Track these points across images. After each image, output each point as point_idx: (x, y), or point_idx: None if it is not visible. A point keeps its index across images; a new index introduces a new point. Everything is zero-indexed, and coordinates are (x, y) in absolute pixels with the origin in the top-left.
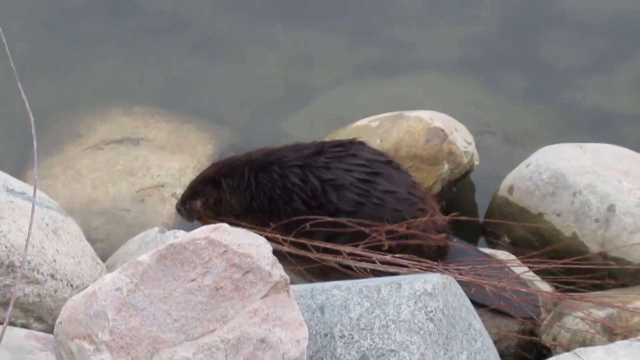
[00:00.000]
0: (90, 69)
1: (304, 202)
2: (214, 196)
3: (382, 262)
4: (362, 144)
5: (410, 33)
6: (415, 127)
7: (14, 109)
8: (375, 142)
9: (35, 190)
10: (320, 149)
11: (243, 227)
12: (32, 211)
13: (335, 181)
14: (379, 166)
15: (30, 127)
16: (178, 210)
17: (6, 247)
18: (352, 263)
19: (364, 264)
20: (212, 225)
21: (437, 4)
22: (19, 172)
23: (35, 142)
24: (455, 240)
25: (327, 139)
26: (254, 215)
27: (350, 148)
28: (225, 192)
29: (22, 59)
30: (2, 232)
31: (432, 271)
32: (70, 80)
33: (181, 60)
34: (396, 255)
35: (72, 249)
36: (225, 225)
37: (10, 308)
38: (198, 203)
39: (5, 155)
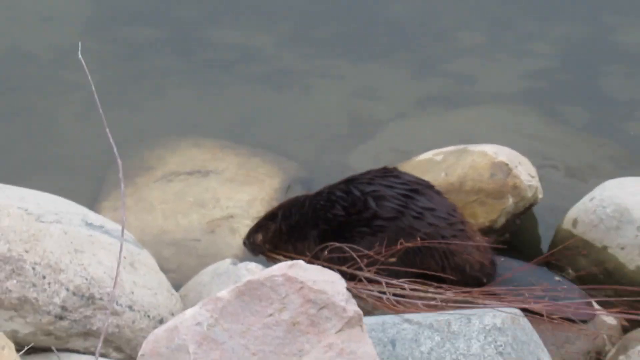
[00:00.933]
0: (160, 102)
1: (344, 208)
2: (272, 229)
3: (388, 285)
4: (405, 172)
5: (472, 66)
6: (480, 162)
7: (86, 143)
8: (440, 176)
9: (123, 230)
10: (367, 171)
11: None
12: (120, 251)
13: (377, 192)
14: (421, 187)
15: (109, 163)
16: (244, 243)
17: (86, 279)
18: (362, 289)
19: (369, 289)
20: (289, 262)
21: (498, 37)
22: (92, 204)
23: (122, 186)
24: (502, 259)
25: None
26: (299, 231)
27: (393, 171)
28: (278, 221)
29: (93, 94)
30: (82, 265)
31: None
32: (140, 113)
33: (248, 93)
34: (403, 280)
35: (148, 281)
36: (301, 262)
37: (100, 343)
38: (259, 237)
39: (79, 188)
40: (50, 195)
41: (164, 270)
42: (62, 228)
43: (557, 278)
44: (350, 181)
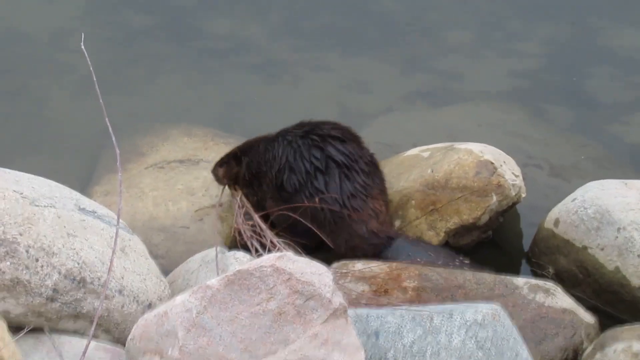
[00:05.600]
0: (152, 89)
1: (274, 173)
2: (233, 169)
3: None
4: (344, 140)
5: (460, 64)
6: (466, 160)
7: (78, 125)
8: (426, 172)
9: (118, 219)
10: (309, 132)
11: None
12: (115, 241)
13: (291, 164)
14: (330, 166)
15: (101, 146)
16: (211, 172)
17: (78, 263)
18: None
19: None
20: (278, 254)
21: (486, 37)
22: (84, 187)
23: (120, 176)
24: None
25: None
26: (257, 179)
27: (325, 140)
28: (242, 168)
29: (87, 77)
30: (75, 249)
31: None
32: (133, 99)
33: (239, 83)
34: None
35: (138, 267)
36: (290, 254)
37: (93, 327)
38: (222, 171)
39: (71, 171)
40: (44, 179)
41: (153, 256)
42: (55, 212)
43: (461, 258)
44: (289, 143)
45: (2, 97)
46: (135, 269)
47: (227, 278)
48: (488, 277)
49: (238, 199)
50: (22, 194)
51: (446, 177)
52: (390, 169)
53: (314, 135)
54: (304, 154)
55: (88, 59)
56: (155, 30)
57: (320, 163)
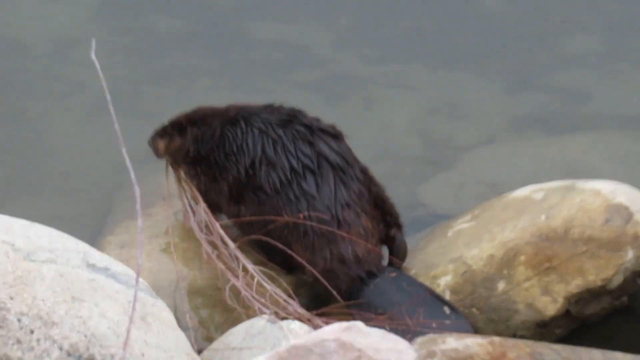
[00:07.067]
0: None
1: (244, 167)
2: (176, 142)
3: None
4: (336, 137)
5: (584, 80)
6: (592, 203)
7: (88, 158)
8: (539, 219)
9: (137, 278)
10: (289, 121)
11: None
12: (134, 306)
13: (272, 159)
14: (323, 166)
15: (117, 185)
16: (148, 143)
17: (86, 336)
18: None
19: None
20: (344, 324)
21: (618, 44)
22: (93, 239)
23: (140, 221)
24: (394, 273)
25: (477, 211)
26: (207, 165)
27: (314, 134)
28: (187, 141)
29: (99, 97)
30: (81, 317)
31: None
32: (158, 125)
33: (296, 103)
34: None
35: (163, 341)
36: (359, 325)
37: None
38: (161, 144)
39: (78, 216)
40: (43, 227)
41: (183, 326)
42: (57, 269)
43: (447, 310)
44: (263, 132)
45: None
46: (160, 344)
47: (279, 355)
48: (622, 358)
49: (184, 185)
50: (13, 245)
51: (565, 225)
52: (492, 214)
53: (299, 125)
54: (288, 147)
55: (100, 73)
56: (187, 37)
57: (311, 161)
